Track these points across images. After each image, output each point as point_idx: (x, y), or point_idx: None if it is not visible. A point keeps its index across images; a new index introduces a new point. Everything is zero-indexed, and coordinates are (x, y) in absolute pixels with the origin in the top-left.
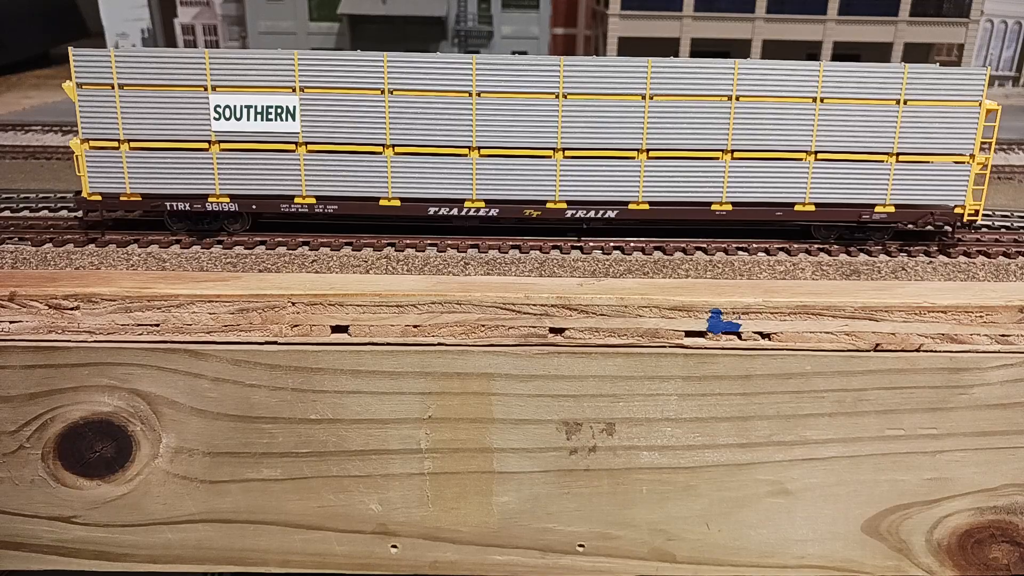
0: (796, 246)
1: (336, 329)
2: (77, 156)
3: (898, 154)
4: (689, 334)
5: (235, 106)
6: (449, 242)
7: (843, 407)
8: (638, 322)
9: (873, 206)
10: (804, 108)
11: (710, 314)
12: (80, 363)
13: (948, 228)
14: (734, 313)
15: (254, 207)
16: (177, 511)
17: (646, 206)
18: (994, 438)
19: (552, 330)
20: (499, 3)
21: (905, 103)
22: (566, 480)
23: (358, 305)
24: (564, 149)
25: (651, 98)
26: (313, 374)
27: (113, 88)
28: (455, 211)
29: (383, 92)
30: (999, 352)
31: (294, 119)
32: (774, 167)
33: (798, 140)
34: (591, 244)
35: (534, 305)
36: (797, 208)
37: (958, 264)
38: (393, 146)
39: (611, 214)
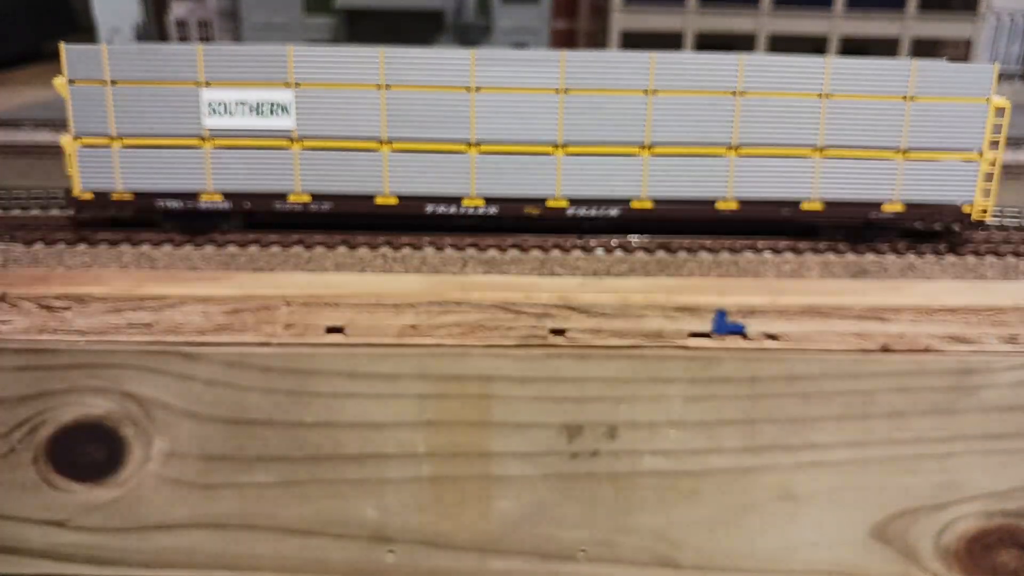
0: (803, 245)
1: (331, 330)
2: (68, 154)
3: (906, 151)
4: (693, 335)
5: (228, 102)
6: (447, 240)
7: (851, 410)
8: (641, 323)
9: (881, 204)
10: (810, 104)
11: (715, 314)
12: (71, 364)
13: (957, 227)
14: (740, 314)
15: (247, 205)
16: (170, 515)
17: (649, 204)
18: (1003, 441)
19: (553, 331)
20: None
21: (913, 99)
22: (567, 485)
23: (354, 305)
24: (565, 145)
25: (654, 93)
26: (308, 376)
27: (105, 84)
28: (453, 208)
29: (380, 87)
30: (1009, 353)
31: (288, 114)
32: (780, 164)
33: (804, 136)
34: (593, 242)
35: (534, 305)
36: (804, 206)
37: (967, 263)
38: (390, 142)
39: (613, 212)
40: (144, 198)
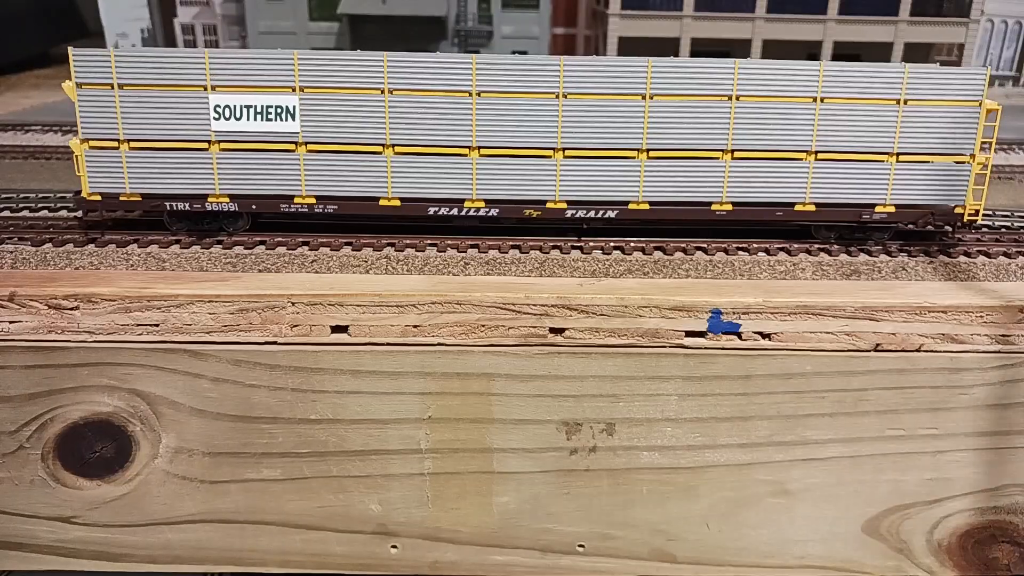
0: (796, 246)
1: (336, 329)
2: (77, 156)
3: (898, 154)
4: (689, 334)
5: (235, 106)
6: (449, 242)
7: (844, 407)
8: (638, 322)
9: (873, 206)
10: (804, 108)
11: (710, 314)
12: (80, 363)
13: (948, 228)
14: (734, 313)
15: (254, 207)
16: (177, 511)
17: (646, 206)
18: (994, 438)
19: (552, 330)
20: (499, 3)
21: (905, 103)
22: (566, 480)
23: (358, 305)
24: (564, 149)
25: (651, 98)
26: (313, 374)
27: (113, 88)
28: (455, 211)
29: (383, 92)
30: (999, 352)
31: (294, 119)
32: (774, 167)
33: (798, 140)
34: (591, 244)
35: (534, 305)
36: (797, 208)
37: (958, 264)
38: (393, 146)
39: (611, 214)
40: (152, 200)
